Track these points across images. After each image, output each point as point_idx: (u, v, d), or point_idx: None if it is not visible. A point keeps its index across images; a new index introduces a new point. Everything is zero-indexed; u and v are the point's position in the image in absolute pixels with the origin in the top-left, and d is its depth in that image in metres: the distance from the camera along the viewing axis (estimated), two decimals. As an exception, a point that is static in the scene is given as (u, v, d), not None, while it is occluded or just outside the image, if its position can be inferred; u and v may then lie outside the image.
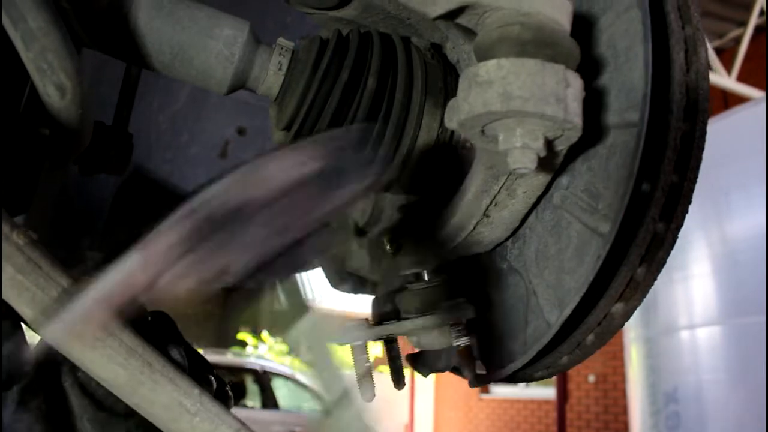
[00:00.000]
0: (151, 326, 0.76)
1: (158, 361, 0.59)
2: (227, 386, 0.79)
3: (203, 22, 0.84)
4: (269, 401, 10.84)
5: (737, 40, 8.09)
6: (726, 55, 8.31)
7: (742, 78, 7.73)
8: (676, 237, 0.77)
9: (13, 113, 0.73)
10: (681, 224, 0.76)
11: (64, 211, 1.58)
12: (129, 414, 0.67)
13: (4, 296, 0.52)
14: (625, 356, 6.48)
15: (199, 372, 0.73)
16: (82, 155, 0.99)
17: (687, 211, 0.76)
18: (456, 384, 13.84)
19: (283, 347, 15.47)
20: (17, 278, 0.52)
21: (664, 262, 0.77)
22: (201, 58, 0.84)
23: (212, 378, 0.77)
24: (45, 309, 0.53)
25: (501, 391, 12.85)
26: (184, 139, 1.90)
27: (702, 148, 0.75)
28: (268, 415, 10.10)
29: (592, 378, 10.34)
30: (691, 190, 0.76)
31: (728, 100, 7.70)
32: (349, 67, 0.85)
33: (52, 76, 0.66)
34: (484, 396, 13.16)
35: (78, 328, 0.55)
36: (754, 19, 7.68)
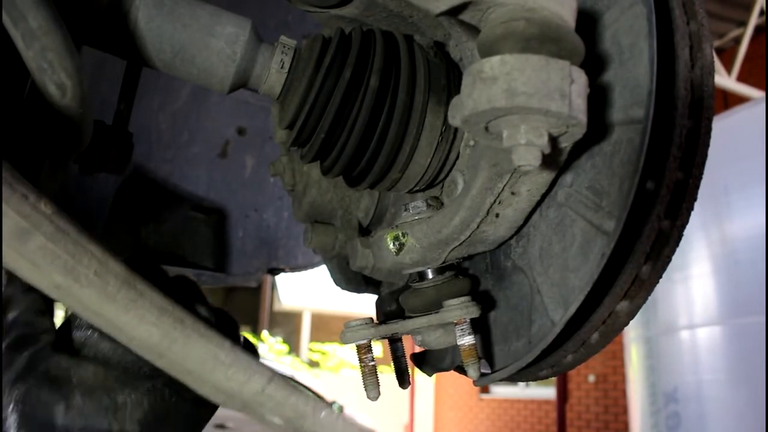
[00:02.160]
0: (175, 288, 0.77)
1: (189, 318, 0.59)
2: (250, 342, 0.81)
3: (204, 20, 0.83)
4: (269, 402, 10.82)
5: (737, 40, 8.09)
6: (726, 55, 8.31)
7: (742, 78, 7.73)
8: (682, 234, 0.76)
9: (12, 112, 0.73)
10: (686, 222, 0.76)
11: (63, 211, 1.57)
12: (154, 375, 0.69)
13: (33, 266, 0.52)
14: (625, 356, 6.48)
15: (225, 328, 0.75)
16: (82, 155, 0.98)
17: (692, 209, 0.75)
18: (456, 384, 13.84)
19: (283, 347, 15.48)
20: (48, 246, 0.53)
21: (669, 260, 0.76)
22: (202, 57, 0.84)
23: (239, 333, 0.79)
24: (77, 275, 0.54)
25: (501, 391, 12.85)
26: (184, 138, 1.89)
27: (707, 145, 0.75)
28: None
29: (592, 378, 10.34)
30: (697, 187, 0.75)
31: (728, 100, 7.70)
32: (352, 66, 0.84)
33: (52, 75, 0.66)
34: (484, 396, 13.15)
35: None
36: (754, 19, 7.67)
